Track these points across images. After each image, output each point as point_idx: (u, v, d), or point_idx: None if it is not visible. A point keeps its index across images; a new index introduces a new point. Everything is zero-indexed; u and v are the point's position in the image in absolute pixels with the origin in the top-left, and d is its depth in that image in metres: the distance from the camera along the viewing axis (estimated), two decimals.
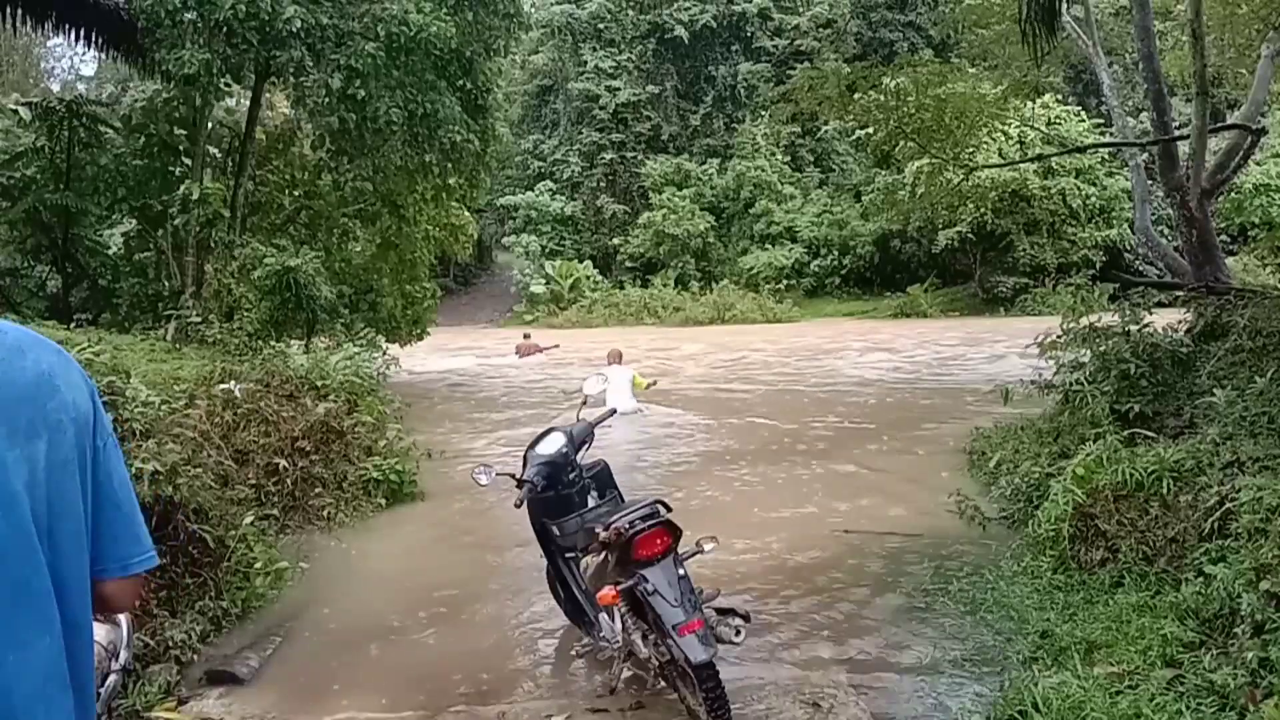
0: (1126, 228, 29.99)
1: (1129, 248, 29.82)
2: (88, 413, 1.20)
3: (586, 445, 4.32)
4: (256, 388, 6.67)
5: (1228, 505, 3.92)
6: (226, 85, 11.88)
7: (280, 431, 6.40)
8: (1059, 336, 6.78)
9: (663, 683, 3.54)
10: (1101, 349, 6.45)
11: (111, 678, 2.37)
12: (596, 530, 3.55)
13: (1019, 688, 3.36)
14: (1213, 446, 4.57)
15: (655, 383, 11.94)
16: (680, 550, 3.46)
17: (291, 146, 13.87)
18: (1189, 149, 8.90)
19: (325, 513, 6.28)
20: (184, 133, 12.29)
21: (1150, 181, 12.19)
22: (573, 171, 40.34)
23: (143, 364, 7.02)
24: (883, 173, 32.60)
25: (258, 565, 4.89)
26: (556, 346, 21.36)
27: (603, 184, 40.16)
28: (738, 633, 3.39)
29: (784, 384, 14.97)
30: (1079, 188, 31.69)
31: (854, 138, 31.94)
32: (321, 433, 6.66)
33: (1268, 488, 3.73)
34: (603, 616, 3.71)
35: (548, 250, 38.46)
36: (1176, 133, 9.32)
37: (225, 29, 10.17)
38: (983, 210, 27.26)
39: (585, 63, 39.94)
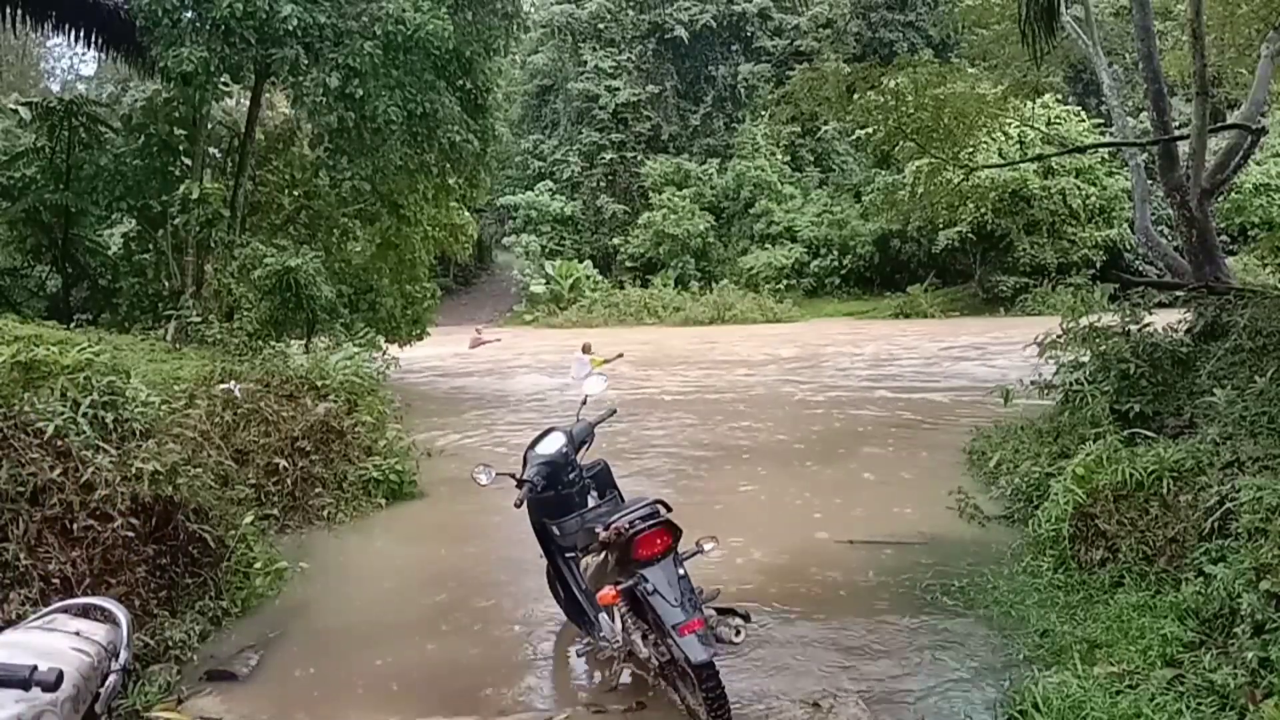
0: (1126, 228, 30.01)
1: (1129, 248, 29.83)
2: None
3: (586, 445, 4.31)
4: (256, 388, 6.68)
5: (1228, 505, 3.93)
6: (225, 84, 11.88)
7: (280, 431, 6.41)
8: (1059, 337, 6.78)
9: (663, 683, 3.54)
10: (1101, 349, 6.46)
11: (111, 678, 2.37)
12: (596, 530, 3.55)
13: (1019, 688, 3.36)
14: (1213, 446, 4.57)
15: (621, 354, 15.88)
16: (680, 550, 3.45)
17: (291, 146, 13.86)
18: (1189, 149, 8.89)
19: (325, 512, 6.30)
20: (184, 133, 12.26)
21: (1150, 181, 12.19)
22: (573, 171, 40.36)
23: (143, 364, 7.02)
24: (883, 173, 32.64)
25: (257, 565, 4.89)
26: (499, 340, 25.82)
27: (603, 184, 40.19)
28: (738, 633, 3.38)
29: (782, 385, 14.97)
30: (1079, 188, 31.69)
31: (854, 138, 31.91)
32: (321, 433, 6.66)
33: (1268, 488, 3.72)
34: (603, 616, 3.70)
35: (548, 250, 38.49)
36: (1176, 133, 9.31)
37: (223, 28, 10.19)
38: (983, 210, 27.26)
39: (585, 63, 39.96)
